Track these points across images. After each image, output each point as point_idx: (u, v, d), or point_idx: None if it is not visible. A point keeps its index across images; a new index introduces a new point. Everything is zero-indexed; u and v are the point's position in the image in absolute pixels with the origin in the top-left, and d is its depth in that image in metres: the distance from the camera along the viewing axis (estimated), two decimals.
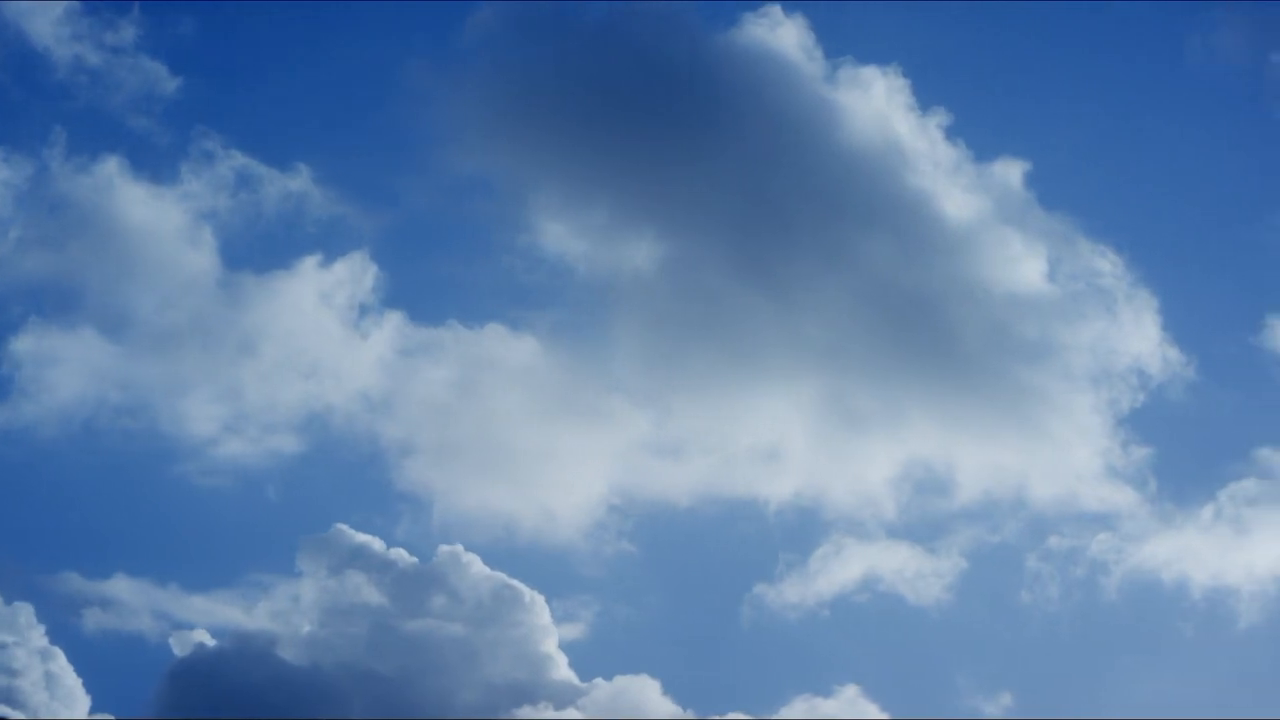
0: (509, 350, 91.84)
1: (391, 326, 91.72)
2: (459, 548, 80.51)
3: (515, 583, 79.62)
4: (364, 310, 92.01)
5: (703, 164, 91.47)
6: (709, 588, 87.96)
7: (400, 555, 79.96)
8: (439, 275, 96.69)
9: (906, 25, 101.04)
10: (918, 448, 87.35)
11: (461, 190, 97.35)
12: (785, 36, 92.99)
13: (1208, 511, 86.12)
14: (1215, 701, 78.14)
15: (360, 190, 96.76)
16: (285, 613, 78.75)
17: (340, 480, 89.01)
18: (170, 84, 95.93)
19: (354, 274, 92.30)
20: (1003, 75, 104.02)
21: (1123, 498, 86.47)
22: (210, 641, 76.51)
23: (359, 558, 79.66)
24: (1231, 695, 79.07)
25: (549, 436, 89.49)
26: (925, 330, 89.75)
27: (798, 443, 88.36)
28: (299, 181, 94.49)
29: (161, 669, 75.10)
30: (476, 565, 79.98)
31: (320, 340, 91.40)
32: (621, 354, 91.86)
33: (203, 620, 79.81)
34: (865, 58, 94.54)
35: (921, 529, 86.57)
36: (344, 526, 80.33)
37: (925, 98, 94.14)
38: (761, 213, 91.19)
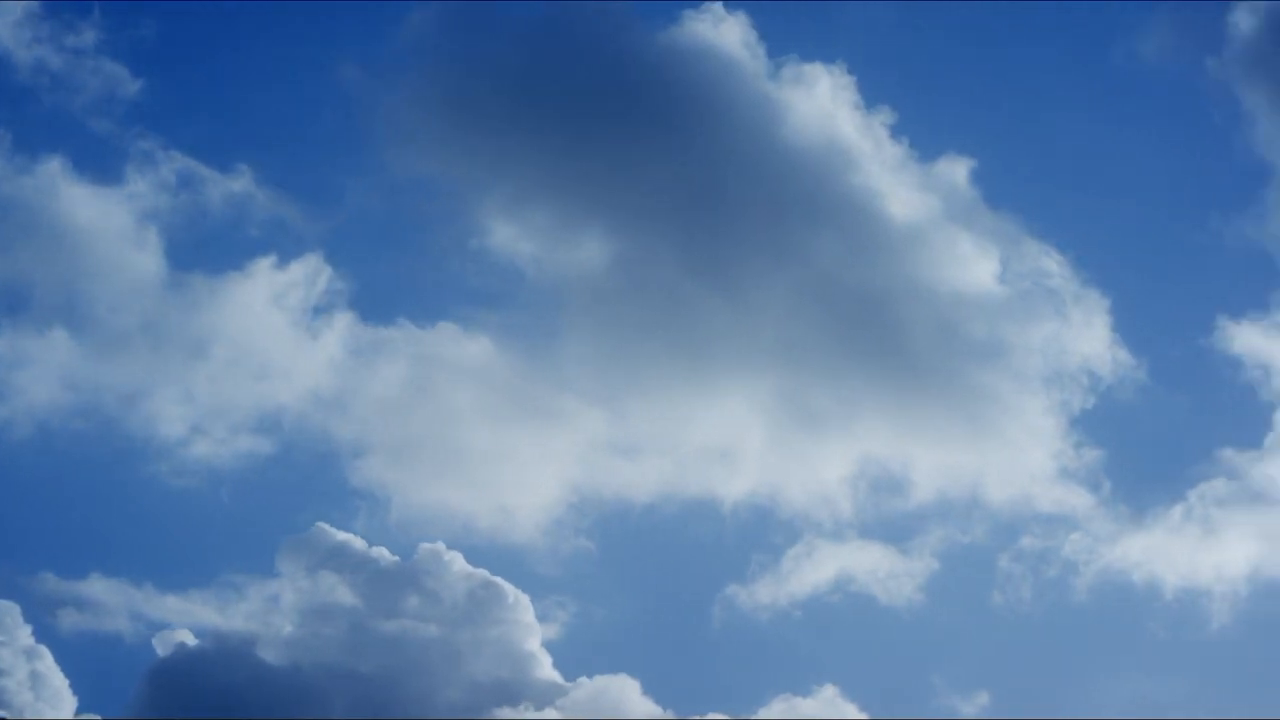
0: (461, 350, 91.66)
1: (342, 327, 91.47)
2: (440, 545, 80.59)
3: (498, 580, 79.58)
4: (314, 311, 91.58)
5: (648, 162, 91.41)
6: (673, 587, 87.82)
7: (382, 554, 79.81)
8: (388, 275, 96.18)
9: (850, 23, 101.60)
10: (872, 447, 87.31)
11: (406, 191, 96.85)
12: (728, 34, 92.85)
13: (1167, 513, 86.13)
14: (1191, 701, 78.95)
15: (304, 191, 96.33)
16: (265, 613, 78.94)
17: (297, 481, 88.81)
18: (115, 85, 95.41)
19: (303, 275, 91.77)
20: (947, 74, 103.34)
21: (1077, 499, 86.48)
22: (192, 641, 76.52)
23: (339, 557, 79.41)
24: (1206, 694, 80.00)
25: (504, 435, 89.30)
26: (876, 329, 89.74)
27: (752, 441, 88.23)
28: (241, 183, 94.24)
29: (146, 669, 75.29)
30: (459, 563, 79.96)
31: (271, 341, 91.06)
32: (575, 353, 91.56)
33: (180, 620, 79.72)
34: (809, 55, 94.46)
35: (879, 528, 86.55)
36: (325, 525, 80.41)
37: (870, 96, 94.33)
38: (708, 210, 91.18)
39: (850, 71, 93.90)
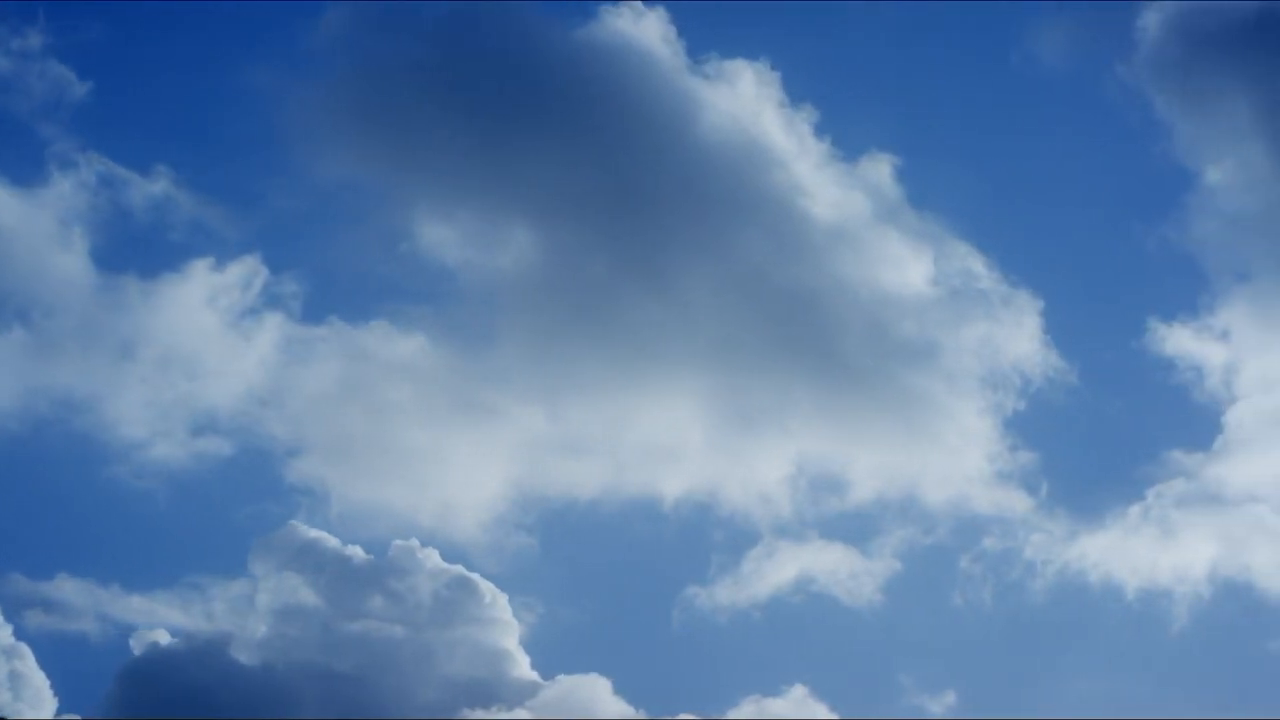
0: (396, 347, 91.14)
1: (275, 327, 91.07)
2: (415, 542, 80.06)
3: (474, 576, 79.21)
4: (245, 311, 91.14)
5: (572, 160, 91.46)
6: (623, 586, 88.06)
7: (355, 552, 79.31)
8: (317, 276, 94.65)
9: (772, 21, 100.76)
10: (809, 446, 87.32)
11: (329, 191, 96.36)
12: (647, 30, 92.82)
13: (1106, 515, 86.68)
14: (1153, 699, 79.07)
15: (224, 193, 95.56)
16: (238, 613, 78.43)
17: (240, 481, 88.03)
18: (32, 87, 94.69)
19: (234, 276, 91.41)
20: (870, 73, 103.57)
21: (1016, 502, 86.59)
22: (166, 641, 75.85)
23: (310, 556, 78.96)
24: (1167, 693, 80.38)
25: (442, 433, 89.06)
26: (808, 329, 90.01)
27: (691, 439, 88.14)
28: (161, 185, 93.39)
29: (119, 669, 74.58)
30: (434, 560, 79.42)
31: (205, 343, 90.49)
32: (510, 351, 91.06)
33: (148, 620, 79.11)
34: (730, 53, 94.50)
35: (822, 528, 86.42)
36: (297, 524, 79.93)
37: (794, 94, 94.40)
38: (633, 208, 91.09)
39: (774, 69, 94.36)
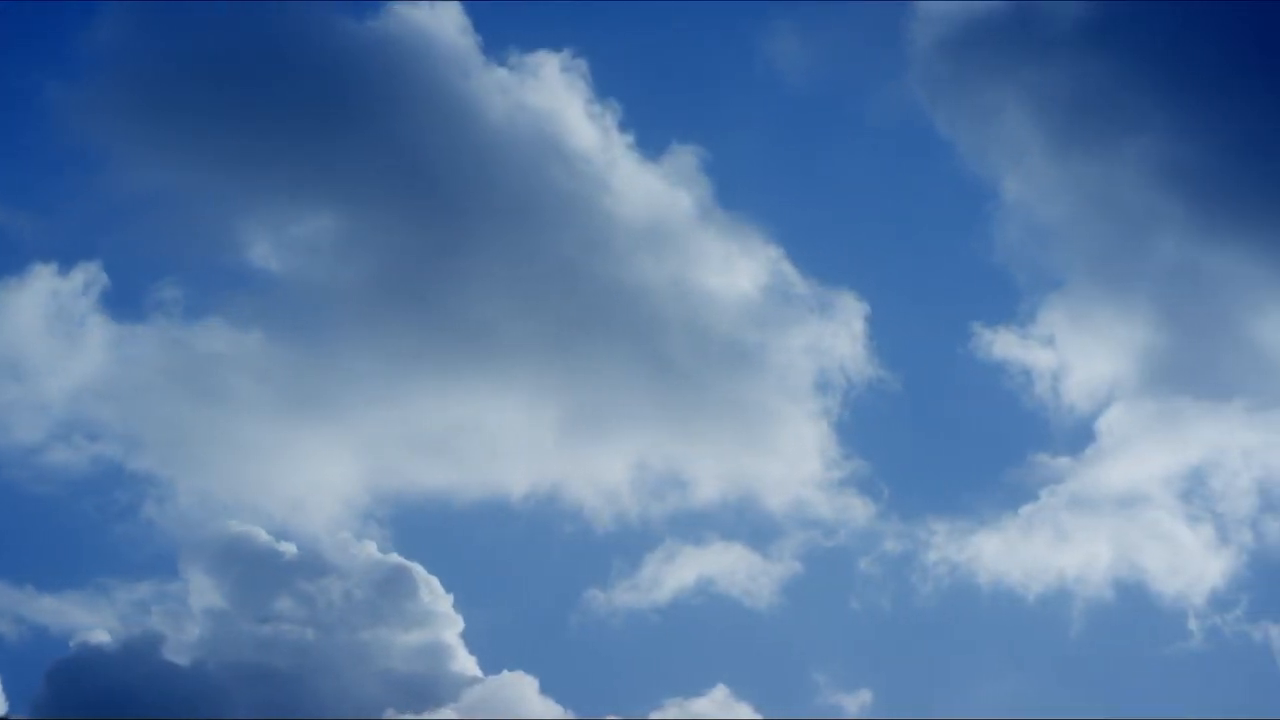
0: (231, 345, 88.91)
1: (102, 329, 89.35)
2: (348, 535, 79.23)
3: (414, 565, 78.16)
4: (74, 317, 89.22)
5: (378, 155, 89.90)
6: (497, 584, 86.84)
7: (288, 548, 78.02)
8: (138, 276, 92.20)
9: (574, 15, 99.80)
10: (648, 447, 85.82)
11: (137, 191, 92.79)
12: (443, 24, 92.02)
13: (941, 518, 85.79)
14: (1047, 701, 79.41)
15: (26, 201, 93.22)
16: (169, 613, 77.42)
17: (81, 480, 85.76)
18: None
19: (50, 280, 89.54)
20: (676, 69, 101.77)
21: (852, 505, 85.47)
22: (95, 641, 74.21)
23: (240, 552, 77.72)
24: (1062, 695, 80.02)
25: (286, 430, 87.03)
26: (633, 329, 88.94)
27: (534, 436, 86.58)
28: None
29: (46, 670, 72.81)
30: (369, 551, 78.27)
31: (36, 347, 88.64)
32: (346, 347, 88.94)
33: (61, 622, 78.08)
34: (530, 46, 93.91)
35: (666, 530, 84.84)
36: (232, 522, 78.86)
37: (600, 88, 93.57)
38: (438, 203, 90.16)
39: (577, 61, 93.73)
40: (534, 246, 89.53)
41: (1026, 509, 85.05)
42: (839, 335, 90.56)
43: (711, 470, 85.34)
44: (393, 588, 77.42)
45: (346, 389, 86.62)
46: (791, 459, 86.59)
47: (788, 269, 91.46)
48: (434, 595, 77.40)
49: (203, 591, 77.27)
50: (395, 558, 78.51)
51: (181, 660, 74.19)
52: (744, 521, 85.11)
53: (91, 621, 77.45)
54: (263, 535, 78.00)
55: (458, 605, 78.83)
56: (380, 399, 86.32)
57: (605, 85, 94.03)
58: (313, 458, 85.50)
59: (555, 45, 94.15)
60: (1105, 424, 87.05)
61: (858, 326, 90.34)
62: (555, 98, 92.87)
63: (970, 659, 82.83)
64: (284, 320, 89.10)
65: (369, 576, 77.57)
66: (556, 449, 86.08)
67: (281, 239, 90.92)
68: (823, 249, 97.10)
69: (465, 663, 76.66)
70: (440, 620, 77.15)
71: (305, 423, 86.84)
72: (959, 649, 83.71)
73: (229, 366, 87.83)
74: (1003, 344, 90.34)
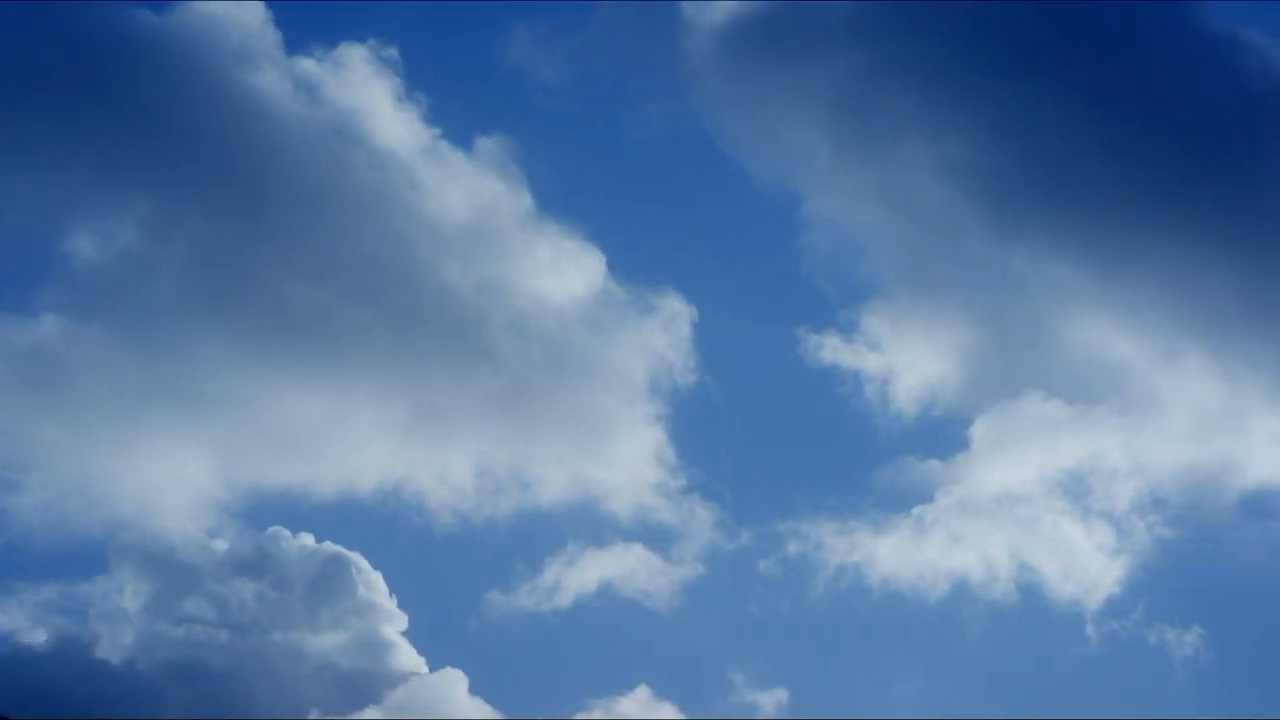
0: (70, 341, 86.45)
1: None
2: (282, 529, 77.69)
3: (355, 554, 77.10)
4: None
5: (183, 153, 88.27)
6: None
7: (219, 545, 77.23)
8: None
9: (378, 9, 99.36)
10: (488, 448, 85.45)
11: None
12: (244, 19, 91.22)
13: (799, 518, 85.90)
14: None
15: None
16: (109, 614, 76.02)
17: None
18: None
19: None
20: (484, 66, 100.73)
21: (695, 509, 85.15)
22: (25, 640, 73.03)
23: (174, 550, 76.65)
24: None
25: (137, 427, 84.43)
26: (459, 329, 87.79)
27: (379, 434, 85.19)
28: None
29: None
30: (305, 543, 77.06)
31: None
32: (191, 346, 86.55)
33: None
34: (333, 40, 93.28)
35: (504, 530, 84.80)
36: (160, 520, 77.45)
37: (409, 80, 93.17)
38: (242, 195, 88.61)
39: (386, 55, 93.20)
40: (341, 239, 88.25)
41: (899, 516, 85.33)
42: (669, 338, 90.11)
43: (554, 473, 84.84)
44: (329, 580, 76.35)
45: (192, 382, 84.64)
46: (630, 462, 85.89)
47: (609, 270, 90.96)
48: (374, 587, 76.41)
49: (121, 593, 76.46)
50: (330, 546, 77.61)
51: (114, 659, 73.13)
52: (585, 523, 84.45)
53: None
54: (195, 531, 77.31)
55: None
56: (229, 392, 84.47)
57: (415, 79, 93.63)
58: (164, 453, 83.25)
59: (361, 38, 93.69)
60: (953, 426, 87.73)
61: (684, 330, 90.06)
62: (361, 89, 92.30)
63: (871, 658, 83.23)
64: (124, 316, 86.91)
65: (306, 569, 76.57)
66: (404, 445, 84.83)
67: (99, 230, 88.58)
68: (643, 251, 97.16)
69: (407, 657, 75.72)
70: (382, 614, 76.02)
71: (154, 417, 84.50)
72: (860, 649, 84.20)
73: (72, 363, 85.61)
74: (831, 349, 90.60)
